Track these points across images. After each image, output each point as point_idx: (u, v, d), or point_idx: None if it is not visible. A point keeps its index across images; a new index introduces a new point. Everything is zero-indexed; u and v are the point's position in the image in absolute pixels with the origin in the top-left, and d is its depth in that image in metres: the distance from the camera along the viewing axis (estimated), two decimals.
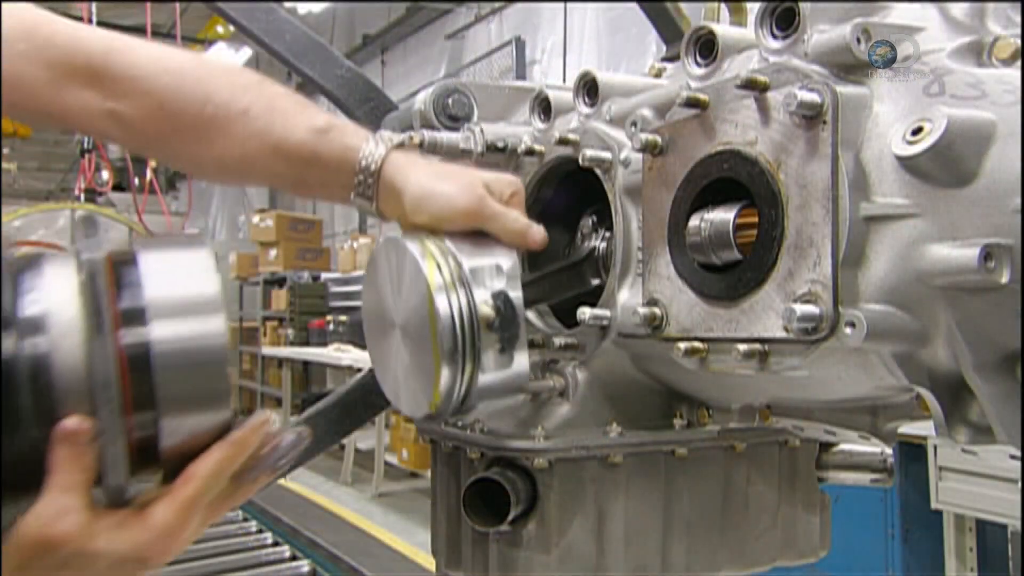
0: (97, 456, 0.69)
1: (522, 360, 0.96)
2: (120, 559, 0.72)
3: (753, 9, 0.96)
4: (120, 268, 0.72)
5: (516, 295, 0.96)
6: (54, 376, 0.67)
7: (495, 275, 0.97)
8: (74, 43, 0.96)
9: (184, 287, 0.73)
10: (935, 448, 3.51)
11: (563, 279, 1.21)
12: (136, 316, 0.70)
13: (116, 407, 0.68)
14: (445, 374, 0.93)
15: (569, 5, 8.54)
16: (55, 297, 0.69)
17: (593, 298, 1.19)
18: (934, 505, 3.54)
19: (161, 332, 0.70)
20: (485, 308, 0.93)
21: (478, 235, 1.00)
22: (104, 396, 0.67)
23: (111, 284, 0.70)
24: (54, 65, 0.95)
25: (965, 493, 3.43)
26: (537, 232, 1.03)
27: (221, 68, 1.04)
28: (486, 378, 0.95)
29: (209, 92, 1.00)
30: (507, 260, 0.99)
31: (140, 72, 0.98)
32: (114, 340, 0.68)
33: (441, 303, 0.93)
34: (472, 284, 0.95)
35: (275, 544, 5.00)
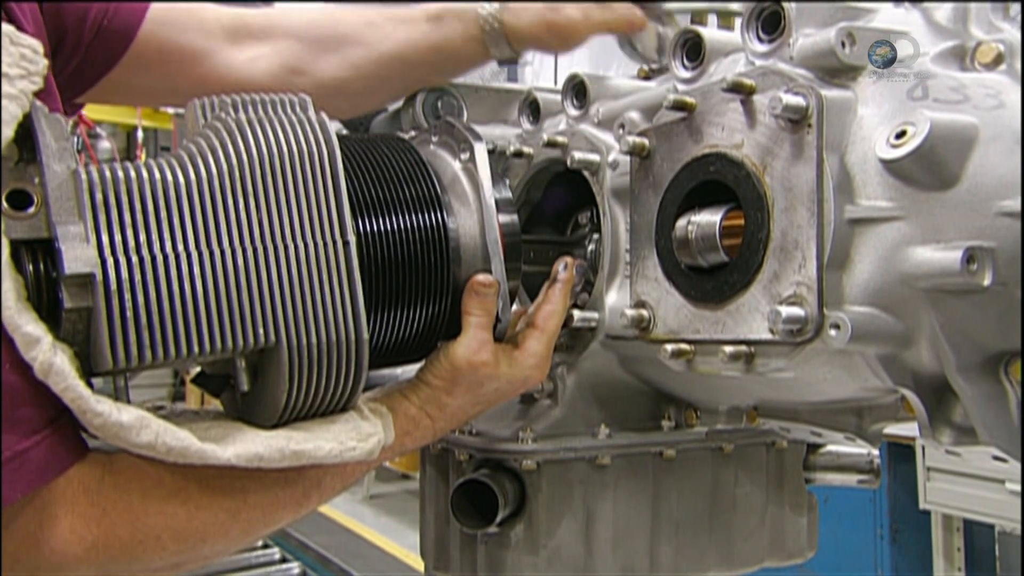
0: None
1: None
2: (511, 380, 0.96)
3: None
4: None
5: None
6: (462, 246, 0.92)
7: None
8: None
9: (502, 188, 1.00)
10: (923, 449, 3.52)
11: (550, 254, 1.20)
12: (504, 206, 0.96)
13: (502, 269, 0.93)
14: None
15: None
16: (457, 187, 0.94)
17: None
18: (922, 505, 3.55)
19: (505, 220, 0.96)
20: None
21: None
22: (496, 260, 0.93)
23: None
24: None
25: (953, 493, 3.44)
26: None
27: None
28: None
29: (334, 13, 1.22)
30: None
31: (273, 21, 1.21)
32: (498, 222, 0.94)
33: None
34: None
35: (265, 546, 4.97)
